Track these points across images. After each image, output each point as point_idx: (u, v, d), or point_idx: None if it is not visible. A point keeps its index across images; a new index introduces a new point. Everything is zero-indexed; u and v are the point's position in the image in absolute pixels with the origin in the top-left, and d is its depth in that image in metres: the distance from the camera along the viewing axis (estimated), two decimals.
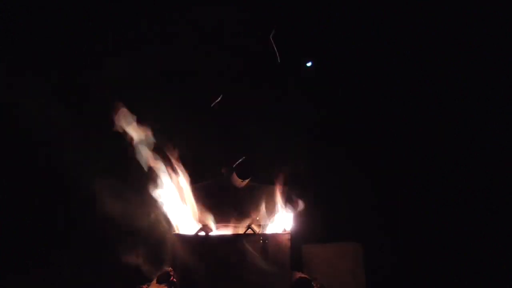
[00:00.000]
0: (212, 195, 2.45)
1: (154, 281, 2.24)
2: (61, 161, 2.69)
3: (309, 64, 3.13)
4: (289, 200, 2.48)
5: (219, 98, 2.64)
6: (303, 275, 2.28)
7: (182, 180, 2.46)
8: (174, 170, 2.47)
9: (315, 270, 2.43)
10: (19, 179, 2.76)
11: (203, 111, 2.85)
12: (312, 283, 2.23)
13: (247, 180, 2.44)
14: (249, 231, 2.26)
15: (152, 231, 2.52)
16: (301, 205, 2.44)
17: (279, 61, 2.54)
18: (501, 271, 2.82)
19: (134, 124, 2.36)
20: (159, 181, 2.47)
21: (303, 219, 2.54)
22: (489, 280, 2.80)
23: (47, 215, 2.76)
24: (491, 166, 2.98)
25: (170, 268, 2.30)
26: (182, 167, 2.42)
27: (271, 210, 2.47)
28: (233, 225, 2.44)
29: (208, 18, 2.89)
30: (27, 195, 2.76)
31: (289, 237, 2.35)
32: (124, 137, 2.40)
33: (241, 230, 2.36)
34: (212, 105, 2.63)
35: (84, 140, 2.72)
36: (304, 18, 3.01)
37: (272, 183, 2.49)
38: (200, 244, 2.21)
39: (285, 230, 2.41)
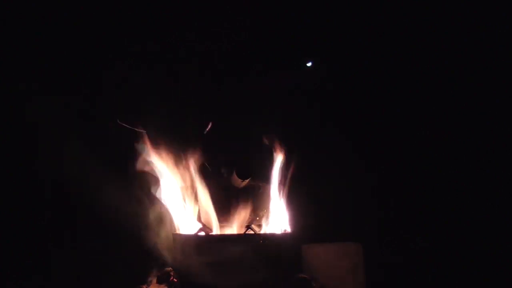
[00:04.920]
0: (212, 195, 2.45)
1: (154, 281, 2.25)
2: (60, 160, 2.69)
3: (309, 64, 3.13)
4: (288, 200, 2.49)
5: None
6: (303, 275, 2.28)
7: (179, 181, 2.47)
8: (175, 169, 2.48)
9: (315, 270, 2.43)
10: (17, 181, 2.77)
11: (203, 111, 2.86)
12: (312, 283, 2.23)
13: (247, 180, 2.44)
14: (249, 231, 2.27)
15: (152, 231, 2.52)
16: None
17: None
18: (501, 271, 2.82)
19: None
20: (160, 180, 2.48)
21: (303, 219, 2.54)
22: (489, 280, 2.80)
23: (44, 216, 2.76)
24: (492, 166, 2.98)
25: (170, 268, 2.30)
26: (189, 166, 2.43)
27: (270, 210, 2.47)
28: (233, 225, 2.44)
29: (209, 18, 2.89)
30: (25, 196, 2.76)
31: (289, 237, 2.36)
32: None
33: (241, 230, 2.36)
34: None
35: (82, 137, 2.72)
36: (304, 18, 3.01)
37: (271, 183, 2.49)
38: (200, 244, 2.21)
39: (285, 230, 2.42)
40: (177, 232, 2.41)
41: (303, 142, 2.96)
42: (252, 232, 2.27)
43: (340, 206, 2.94)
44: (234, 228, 2.44)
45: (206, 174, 2.47)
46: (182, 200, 2.46)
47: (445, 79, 3.05)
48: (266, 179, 2.51)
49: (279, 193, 2.49)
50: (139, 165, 2.45)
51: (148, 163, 2.45)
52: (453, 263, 2.90)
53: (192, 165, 2.47)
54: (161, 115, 2.63)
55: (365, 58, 3.07)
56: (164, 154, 2.46)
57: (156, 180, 2.49)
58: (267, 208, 2.48)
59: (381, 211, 2.98)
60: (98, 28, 2.83)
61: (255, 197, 2.49)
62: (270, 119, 2.83)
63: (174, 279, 2.23)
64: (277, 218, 2.46)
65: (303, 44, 3.05)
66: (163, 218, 2.50)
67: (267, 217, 2.47)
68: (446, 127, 3.04)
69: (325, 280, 2.37)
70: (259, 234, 2.28)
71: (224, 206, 2.45)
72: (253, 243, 2.19)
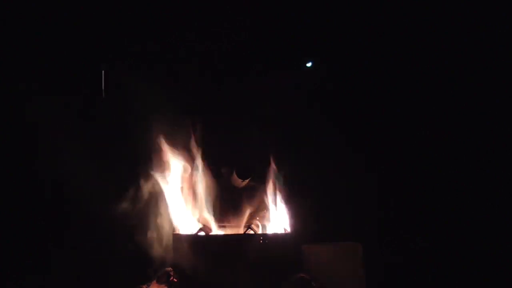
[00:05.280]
0: (212, 195, 2.45)
1: (154, 281, 2.25)
2: (60, 160, 2.69)
3: (309, 64, 3.13)
4: (288, 200, 2.49)
5: None
6: (303, 275, 2.28)
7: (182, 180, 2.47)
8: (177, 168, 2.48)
9: (315, 270, 2.43)
10: (17, 181, 2.76)
11: (203, 111, 2.86)
12: (312, 283, 2.23)
13: (247, 180, 2.44)
14: (249, 231, 2.27)
15: (152, 231, 2.52)
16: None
17: None
18: (501, 271, 2.82)
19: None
20: (161, 180, 2.47)
21: (303, 219, 2.54)
22: (489, 280, 2.80)
23: (44, 216, 2.76)
24: (492, 166, 2.98)
25: (170, 268, 2.30)
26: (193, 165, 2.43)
27: (270, 210, 2.47)
28: (233, 225, 2.44)
29: (209, 18, 2.89)
30: (25, 196, 2.76)
31: (289, 237, 2.36)
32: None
33: (241, 230, 2.37)
34: None
35: (82, 137, 2.72)
36: (304, 18, 3.01)
37: (271, 183, 2.49)
38: (200, 244, 2.21)
39: (285, 230, 2.42)
40: (177, 232, 2.41)
41: (303, 142, 2.97)
42: (252, 232, 2.27)
43: (340, 206, 2.94)
44: (234, 228, 2.44)
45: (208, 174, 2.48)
46: (182, 200, 2.46)
47: (445, 79, 3.05)
48: (266, 179, 2.51)
49: (279, 193, 2.49)
50: (147, 165, 2.46)
51: (155, 163, 2.45)
52: (453, 263, 2.89)
53: (193, 165, 2.47)
54: (162, 114, 2.64)
55: (365, 58, 3.07)
56: (167, 155, 2.46)
57: (158, 180, 2.49)
58: (267, 208, 2.48)
59: (381, 211, 2.98)
60: (98, 28, 2.83)
61: (255, 197, 2.49)
62: (270, 119, 2.84)
63: (174, 279, 2.23)
64: (277, 218, 2.46)
65: (303, 44, 3.05)
66: (163, 218, 2.50)
67: (267, 217, 2.47)
68: (446, 127, 3.04)
69: (325, 280, 2.37)
70: (259, 234, 2.28)
71: (224, 206, 2.45)
72: (253, 243, 2.19)
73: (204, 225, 2.32)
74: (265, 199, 2.49)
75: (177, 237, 2.34)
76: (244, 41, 2.92)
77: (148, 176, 2.49)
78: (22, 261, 2.67)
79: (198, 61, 2.91)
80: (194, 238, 2.24)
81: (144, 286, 2.22)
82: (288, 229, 2.42)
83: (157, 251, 2.47)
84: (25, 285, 2.60)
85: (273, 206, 2.47)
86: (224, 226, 2.43)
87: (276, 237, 2.31)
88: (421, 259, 2.92)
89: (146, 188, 2.51)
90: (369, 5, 3.01)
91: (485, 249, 2.87)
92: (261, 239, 2.21)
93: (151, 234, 2.51)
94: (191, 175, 2.47)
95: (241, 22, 2.89)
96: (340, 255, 2.49)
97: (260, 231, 2.41)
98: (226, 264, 2.13)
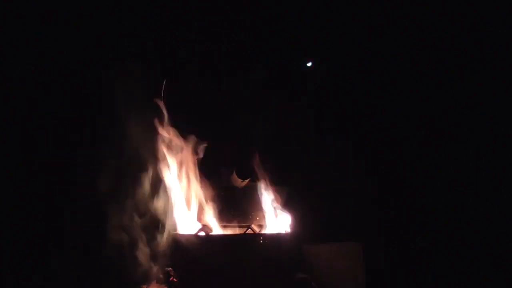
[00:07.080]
0: (212, 195, 2.45)
1: (154, 281, 2.25)
2: (60, 160, 2.69)
3: (309, 64, 3.13)
4: (289, 200, 2.49)
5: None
6: (303, 275, 2.28)
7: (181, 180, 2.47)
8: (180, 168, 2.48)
9: (315, 270, 2.43)
10: (17, 181, 2.76)
11: (203, 112, 2.86)
12: (312, 283, 2.23)
13: (247, 180, 2.45)
14: (249, 231, 2.27)
15: (152, 231, 2.52)
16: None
17: None
18: (501, 271, 2.82)
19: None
20: (162, 179, 2.47)
21: (303, 219, 2.54)
22: (489, 280, 2.80)
23: (44, 215, 2.76)
24: (492, 166, 2.98)
25: (170, 268, 2.30)
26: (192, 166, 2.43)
27: (270, 210, 2.47)
28: (233, 225, 2.45)
29: (209, 18, 2.90)
30: (25, 196, 2.76)
31: (289, 237, 2.36)
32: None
33: (241, 230, 2.37)
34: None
35: (83, 137, 2.72)
36: (304, 18, 3.01)
37: (272, 183, 2.50)
38: (200, 244, 2.21)
39: (285, 230, 2.42)
40: (177, 232, 2.41)
41: (303, 142, 2.97)
42: (252, 232, 2.27)
43: (340, 206, 2.94)
44: (234, 228, 2.44)
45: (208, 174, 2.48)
46: (183, 200, 2.46)
47: (445, 79, 3.05)
48: (266, 179, 2.51)
49: (279, 193, 2.49)
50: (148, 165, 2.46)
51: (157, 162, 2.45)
52: (453, 263, 2.90)
53: (193, 164, 2.47)
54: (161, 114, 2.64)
55: (365, 58, 3.07)
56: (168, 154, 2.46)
57: (158, 180, 2.49)
58: (267, 208, 2.48)
59: (381, 211, 2.98)
60: (98, 28, 2.83)
61: (255, 197, 2.49)
62: (269, 119, 2.84)
63: (174, 279, 2.23)
64: (278, 218, 2.46)
65: (303, 44, 3.06)
66: (163, 218, 2.50)
67: (268, 217, 2.47)
68: (446, 127, 3.04)
69: (325, 280, 2.37)
70: (259, 234, 2.28)
71: (224, 206, 2.45)
72: (253, 243, 2.19)
73: (204, 225, 2.32)
74: (265, 199, 2.49)
75: (177, 237, 2.34)
76: (244, 41, 2.92)
77: (148, 176, 2.49)
78: (22, 261, 2.67)
79: (198, 61, 2.91)
80: (194, 238, 2.24)
81: (144, 286, 2.22)
82: (288, 229, 2.42)
83: (157, 251, 2.47)
84: (25, 285, 2.60)
85: (273, 206, 2.47)
86: (224, 226, 2.43)
87: (276, 237, 2.31)
88: (421, 259, 2.92)
89: (146, 187, 2.51)
90: (369, 5, 3.01)
91: (485, 249, 2.87)
92: (261, 239, 2.21)
93: (152, 234, 2.51)
94: (192, 175, 2.47)
95: (241, 22, 2.89)
96: (340, 255, 2.50)
97: (260, 231, 2.41)
98: (226, 264, 2.13)
